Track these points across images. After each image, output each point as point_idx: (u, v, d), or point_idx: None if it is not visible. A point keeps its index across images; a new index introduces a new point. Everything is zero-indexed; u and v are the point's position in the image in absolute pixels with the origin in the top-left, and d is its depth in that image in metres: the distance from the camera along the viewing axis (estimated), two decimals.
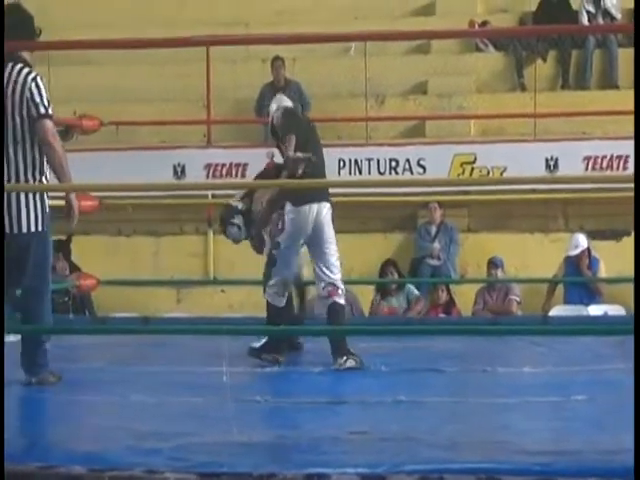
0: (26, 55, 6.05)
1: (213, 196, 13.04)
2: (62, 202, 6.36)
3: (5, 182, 5.83)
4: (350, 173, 12.94)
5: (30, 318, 5.93)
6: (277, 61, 14.50)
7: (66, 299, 11.80)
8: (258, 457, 4.37)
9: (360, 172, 12.86)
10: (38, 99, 5.80)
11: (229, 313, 11.73)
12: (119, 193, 10.65)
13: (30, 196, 5.89)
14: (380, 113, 13.96)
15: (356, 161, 12.87)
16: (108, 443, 4.60)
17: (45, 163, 5.94)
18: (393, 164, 12.92)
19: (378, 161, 12.90)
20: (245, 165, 13.16)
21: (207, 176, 13.09)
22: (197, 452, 4.44)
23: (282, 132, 7.07)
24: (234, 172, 13.15)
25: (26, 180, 5.87)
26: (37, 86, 5.83)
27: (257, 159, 13.20)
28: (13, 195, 5.82)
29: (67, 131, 8.35)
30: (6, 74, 5.84)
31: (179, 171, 13.11)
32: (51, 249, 6.25)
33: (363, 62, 13.64)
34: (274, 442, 4.70)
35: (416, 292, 12.25)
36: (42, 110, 5.81)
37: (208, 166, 13.17)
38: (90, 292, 10.97)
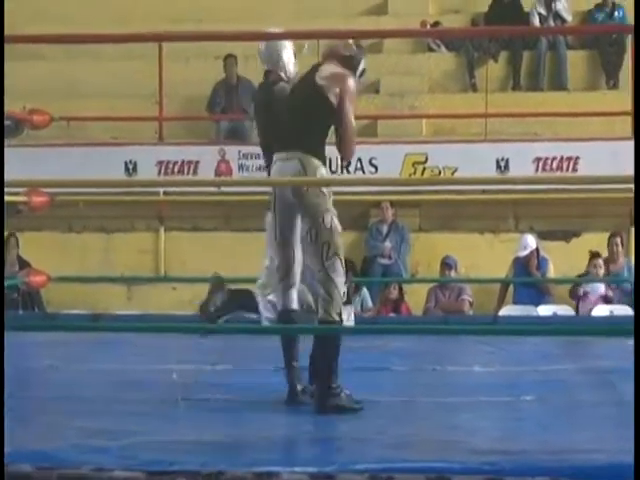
0: None
1: (165, 193, 13.01)
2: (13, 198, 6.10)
3: None
4: None
5: None
6: (230, 58, 14.47)
7: (15, 295, 11.74)
8: (207, 455, 4.36)
9: None
10: None
11: (180, 310, 11.69)
12: (70, 189, 10.59)
13: None
14: None
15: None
16: (57, 441, 4.57)
17: None
18: (345, 163, 12.94)
19: (330, 160, 12.85)
20: (197, 163, 13.14)
21: (159, 173, 13.06)
22: (146, 450, 4.42)
23: None
24: (186, 169, 13.13)
25: None
26: None
27: (209, 156, 13.25)
28: None
29: (17, 126, 8.29)
30: None
31: (130, 168, 13.07)
32: None
33: (316, 60, 13.65)
34: (224, 440, 4.70)
35: (370, 303, 12.27)
36: None
37: (160, 163, 13.15)
38: (40, 288, 10.89)
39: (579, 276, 12.17)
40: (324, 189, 5.66)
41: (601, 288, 12.19)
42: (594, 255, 12.31)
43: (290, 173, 5.62)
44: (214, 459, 4.28)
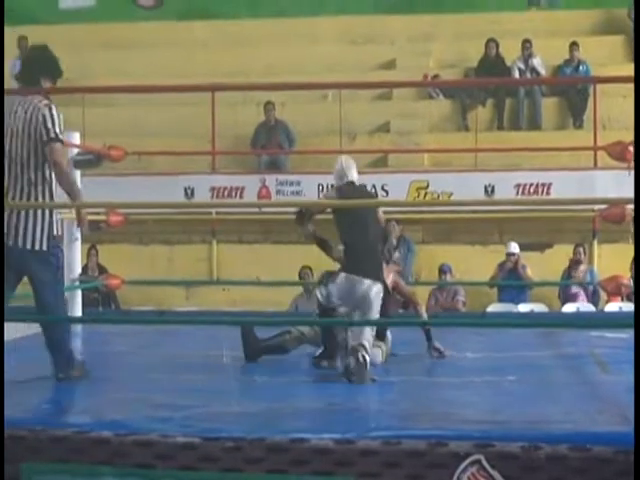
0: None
1: (217, 213, 13.05)
2: (95, 217, 6.20)
3: (14, 199, 5.26)
4: None
5: (45, 331, 5.45)
6: (269, 105, 14.50)
7: (96, 295, 11.77)
8: (251, 424, 4.35)
9: None
10: (50, 125, 5.28)
11: (229, 308, 11.70)
12: (140, 210, 10.63)
13: (38, 216, 5.31)
14: (351, 147, 13.97)
15: (332, 186, 12.89)
16: (130, 413, 4.57)
17: (54, 184, 5.35)
18: None
19: None
20: (243, 188, 13.15)
21: (212, 197, 13.07)
22: (202, 420, 4.41)
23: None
24: (234, 194, 13.14)
25: (34, 198, 5.29)
26: (51, 114, 5.30)
27: (252, 183, 13.27)
28: (20, 212, 5.27)
29: (98, 159, 8.31)
30: (26, 103, 5.33)
31: (189, 192, 13.08)
32: (56, 268, 5.49)
33: (338, 106, 13.66)
34: (265, 412, 4.68)
35: None
36: (52, 134, 5.27)
37: (213, 189, 13.16)
38: (115, 290, 10.92)
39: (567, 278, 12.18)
40: None
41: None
42: (576, 262, 12.28)
43: None
44: (257, 427, 4.27)
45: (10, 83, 15.30)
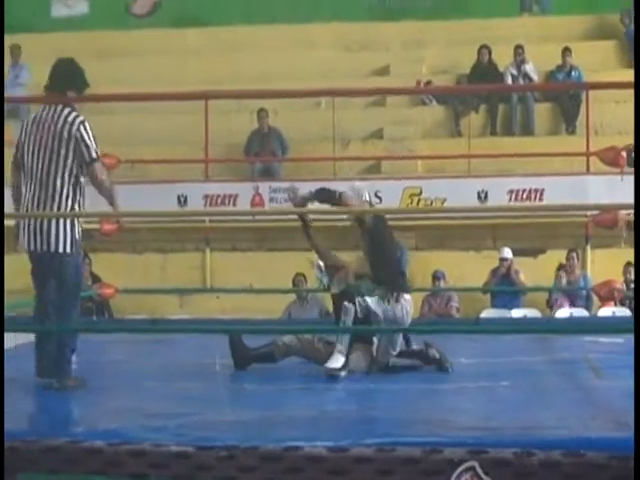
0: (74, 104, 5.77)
1: (210, 221, 13.04)
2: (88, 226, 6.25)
3: (45, 206, 5.49)
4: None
5: (52, 335, 5.58)
6: (262, 112, 14.50)
7: (89, 304, 11.74)
8: (244, 433, 4.34)
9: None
10: (89, 142, 5.49)
11: (222, 316, 11.67)
12: (134, 218, 10.61)
13: (62, 220, 5.53)
14: (345, 154, 13.98)
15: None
16: (123, 422, 4.56)
17: (81, 192, 5.61)
18: None
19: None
20: (236, 196, 13.14)
21: (205, 204, 13.06)
22: (195, 428, 4.41)
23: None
24: (227, 201, 13.13)
25: (65, 206, 5.51)
26: (85, 129, 5.50)
27: (246, 191, 13.26)
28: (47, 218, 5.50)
29: None
30: (55, 114, 5.52)
31: (182, 200, 13.07)
32: (78, 271, 5.76)
33: (331, 113, 13.66)
34: (258, 420, 4.67)
35: None
36: (93, 155, 5.51)
37: (206, 197, 13.15)
38: (109, 298, 10.88)
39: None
40: None
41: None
42: (559, 267, 12.29)
43: None
44: (250, 436, 4.26)
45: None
